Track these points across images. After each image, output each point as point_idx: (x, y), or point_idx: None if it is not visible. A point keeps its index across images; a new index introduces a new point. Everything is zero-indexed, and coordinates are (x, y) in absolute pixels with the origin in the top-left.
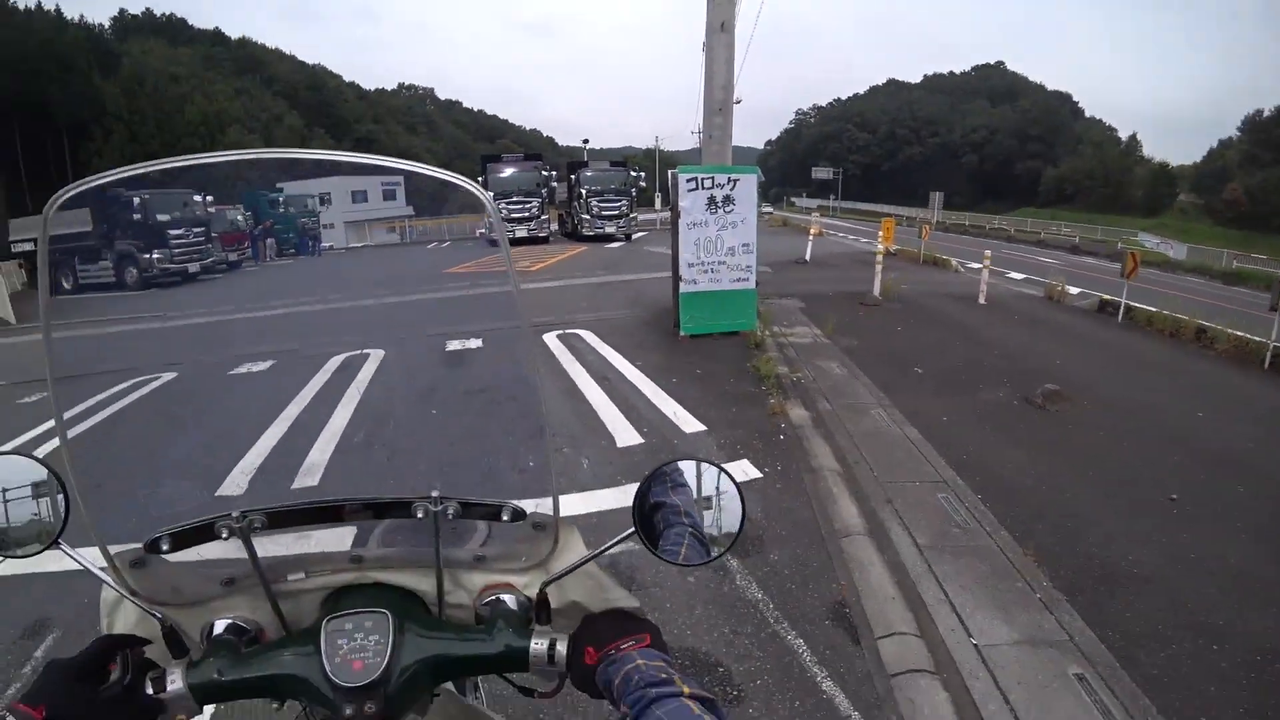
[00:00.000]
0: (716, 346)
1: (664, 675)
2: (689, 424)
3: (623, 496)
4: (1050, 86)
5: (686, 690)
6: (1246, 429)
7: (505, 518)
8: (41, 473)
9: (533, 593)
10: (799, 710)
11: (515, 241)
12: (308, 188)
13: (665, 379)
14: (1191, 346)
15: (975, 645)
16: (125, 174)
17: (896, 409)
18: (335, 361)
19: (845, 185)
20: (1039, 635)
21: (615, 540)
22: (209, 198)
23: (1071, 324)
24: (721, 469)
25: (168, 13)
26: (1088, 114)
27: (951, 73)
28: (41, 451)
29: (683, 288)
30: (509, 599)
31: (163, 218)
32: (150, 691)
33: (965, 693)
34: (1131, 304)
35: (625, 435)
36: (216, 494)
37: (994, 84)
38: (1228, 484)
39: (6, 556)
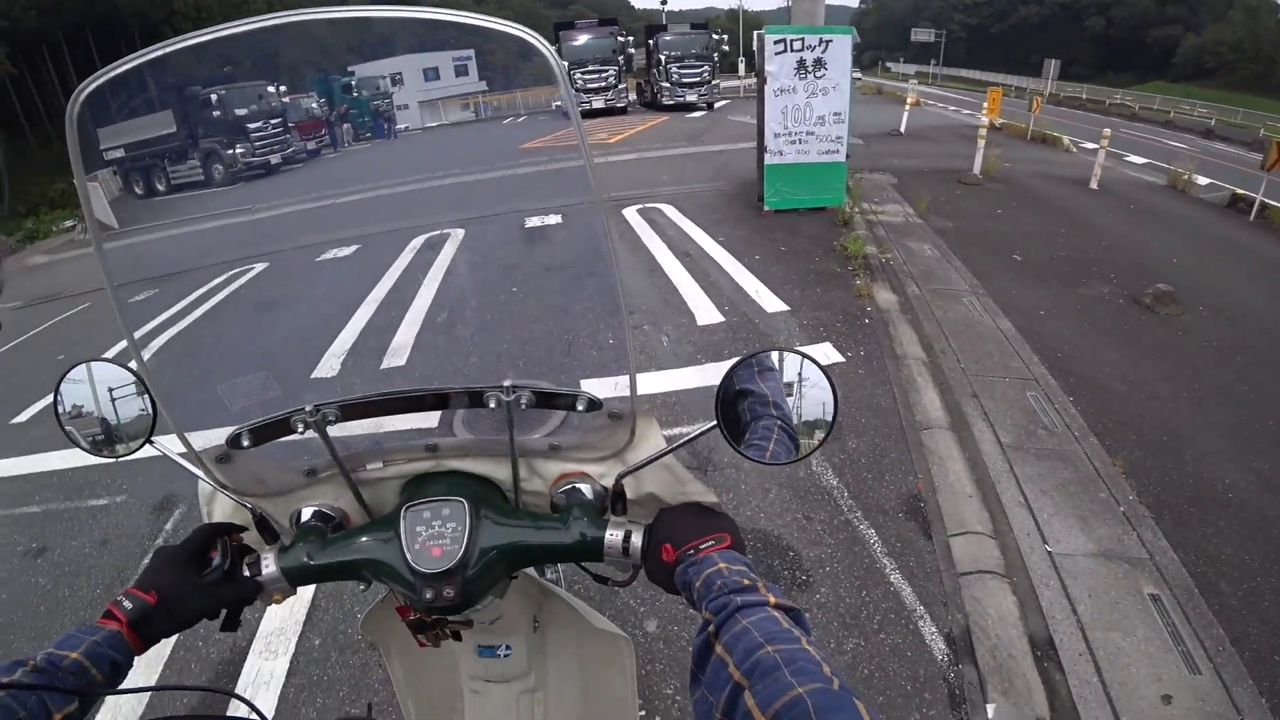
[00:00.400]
0: (802, 222)
1: (747, 581)
2: (771, 303)
3: (702, 376)
4: None
5: (772, 600)
6: None
7: (580, 407)
8: (128, 377)
9: (608, 482)
10: (865, 601)
11: (592, 113)
12: (379, 69)
13: (748, 255)
14: None
15: (1049, 552)
16: (144, 58)
17: (990, 298)
18: (417, 242)
19: (948, 50)
20: (1117, 550)
21: (695, 433)
22: (283, 88)
23: (1195, 219)
24: (814, 361)
25: None
26: None
27: None
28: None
29: (768, 159)
30: (585, 488)
31: (240, 112)
32: (247, 574)
33: (1033, 598)
34: (1269, 201)
35: (706, 313)
36: (311, 377)
37: None
38: None
39: (106, 457)
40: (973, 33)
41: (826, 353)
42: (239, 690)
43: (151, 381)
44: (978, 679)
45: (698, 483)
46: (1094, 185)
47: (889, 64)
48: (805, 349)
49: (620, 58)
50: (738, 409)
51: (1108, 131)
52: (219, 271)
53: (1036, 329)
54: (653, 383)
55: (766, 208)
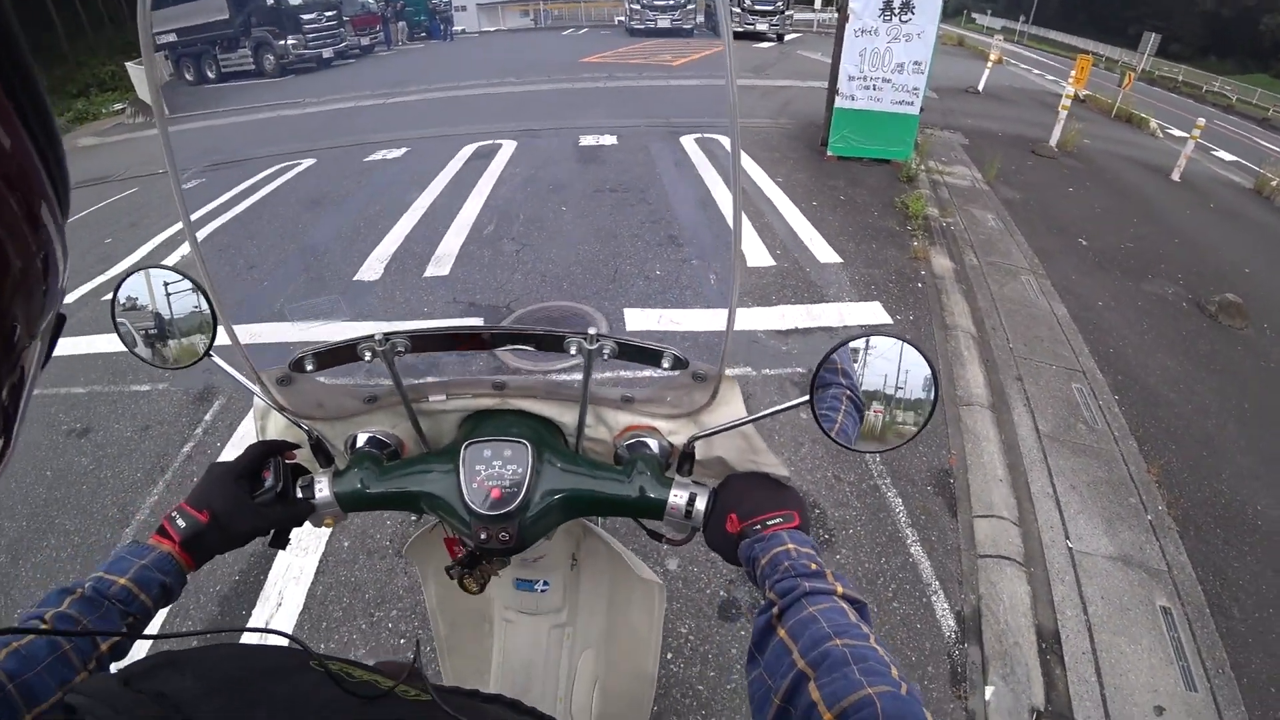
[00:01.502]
0: (864, 173)
1: (814, 566)
2: (824, 253)
3: (747, 319)
4: None
5: (840, 590)
6: None
7: (665, 365)
8: (187, 286)
9: (678, 440)
10: (883, 568)
11: (655, 32)
12: None
13: (805, 200)
14: None
15: (1070, 548)
16: None
17: (1049, 280)
18: (467, 151)
19: (1040, 7)
20: (1137, 557)
21: (782, 406)
22: None
23: (1277, 229)
24: (921, 351)
25: None
26: None
27: None
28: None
29: (839, 102)
30: (652, 442)
31: (295, 2)
32: (300, 496)
33: (1047, 591)
34: None
35: (757, 255)
36: (354, 279)
37: None
38: None
39: (165, 368)
40: None
41: (875, 312)
42: (272, 587)
43: (210, 284)
44: (980, 661)
45: (771, 454)
46: (1176, 177)
47: (975, 15)
48: (854, 305)
49: None
50: (829, 390)
51: (1201, 121)
52: (266, 165)
53: (1092, 319)
54: (695, 319)
55: (830, 153)
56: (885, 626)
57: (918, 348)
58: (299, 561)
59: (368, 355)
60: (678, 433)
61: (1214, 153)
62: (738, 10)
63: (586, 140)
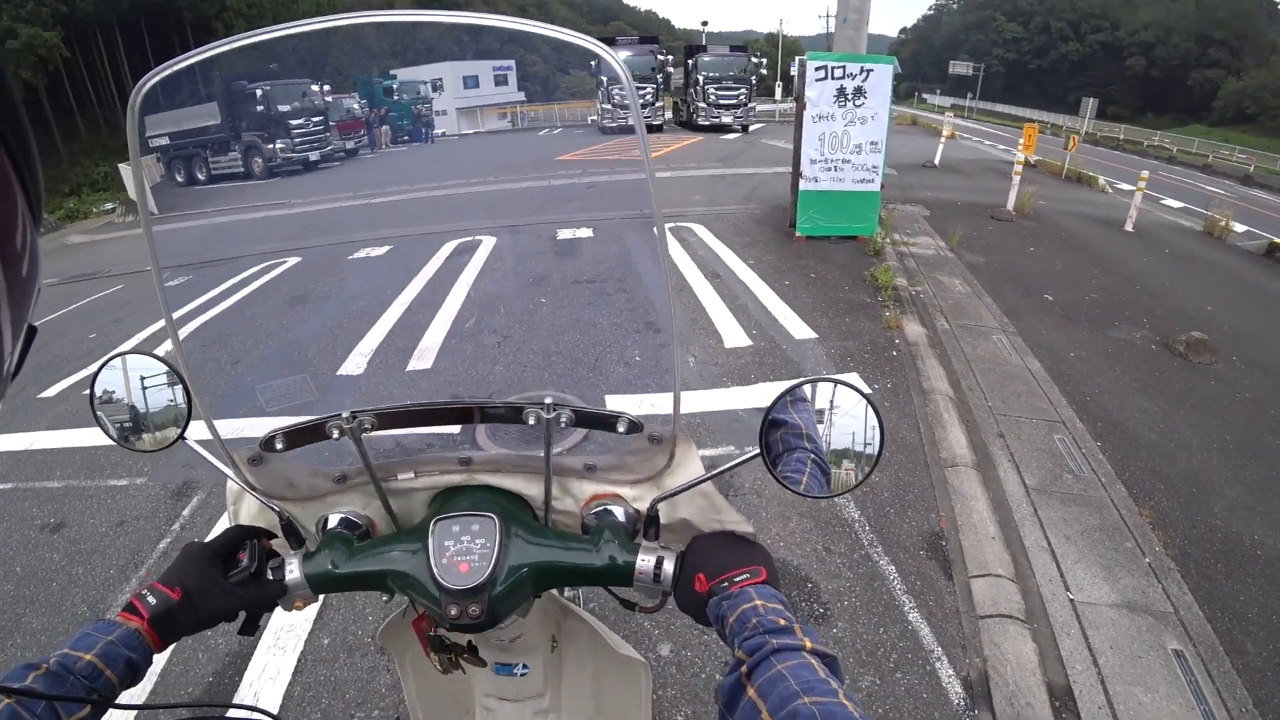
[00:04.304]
0: (833, 250)
1: (783, 622)
2: (799, 330)
3: (727, 399)
4: None
5: (809, 644)
6: None
7: (621, 429)
8: (164, 369)
9: (642, 505)
10: (883, 638)
11: (626, 129)
12: (420, 74)
13: (778, 280)
14: None
15: (1071, 600)
16: (202, 55)
17: (1020, 337)
18: (448, 248)
19: (985, 84)
20: (1141, 601)
21: (735, 461)
22: (326, 87)
23: (1231, 266)
24: (859, 391)
25: None
26: None
27: None
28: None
29: (803, 185)
30: (617, 510)
31: (284, 108)
32: (272, 578)
33: (1054, 647)
34: None
35: (733, 336)
36: (337, 373)
37: None
38: None
39: (136, 450)
40: (1010, 67)
41: (853, 383)
42: (248, 688)
43: (188, 373)
44: None
45: (734, 511)
46: (1129, 228)
47: (925, 95)
48: (867, 394)
49: (659, 76)
50: (776, 439)
51: (1145, 174)
52: (253, 263)
53: (1066, 371)
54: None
55: (799, 234)
56: (890, 699)
57: (859, 390)
58: (276, 661)
59: (335, 433)
60: (641, 498)
61: (1163, 201)
62: (703, 105)
63: (564, 234)
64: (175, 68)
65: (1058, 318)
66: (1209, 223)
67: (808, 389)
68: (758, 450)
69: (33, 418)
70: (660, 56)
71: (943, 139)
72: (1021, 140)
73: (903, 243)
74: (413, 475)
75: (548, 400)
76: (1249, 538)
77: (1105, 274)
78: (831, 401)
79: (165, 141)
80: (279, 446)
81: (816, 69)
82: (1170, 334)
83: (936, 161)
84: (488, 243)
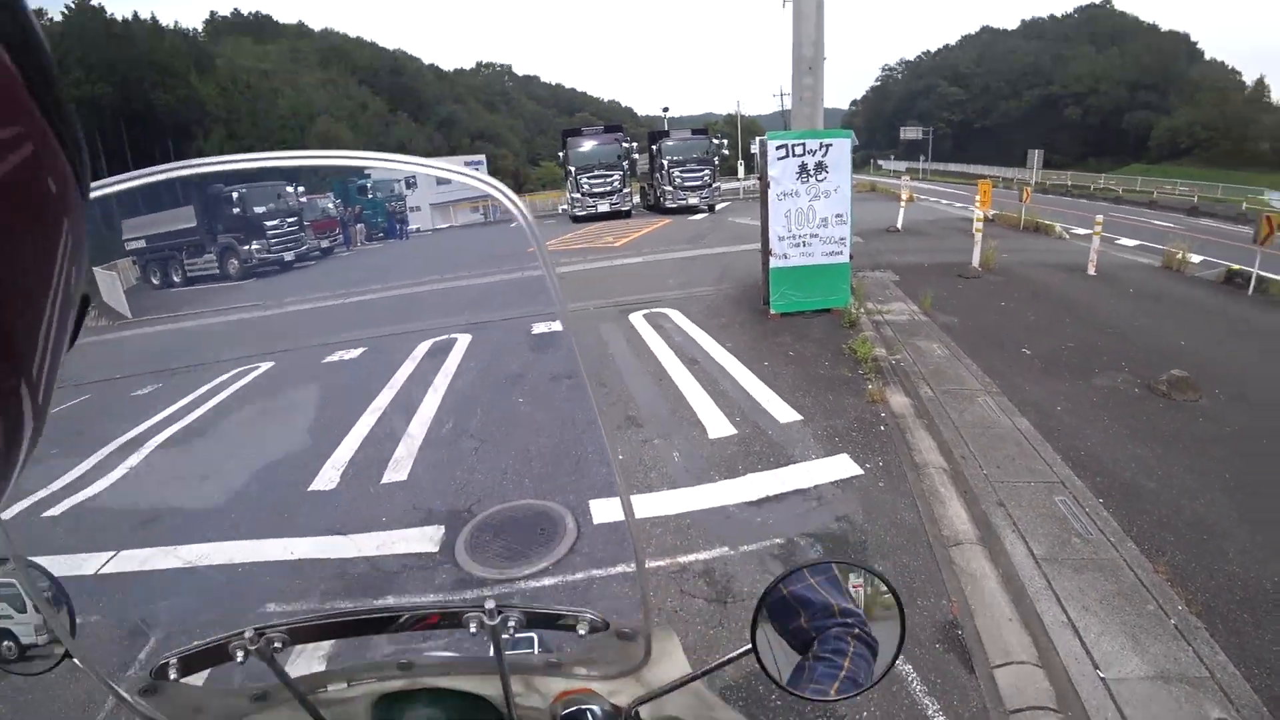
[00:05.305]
0: (808, 325)
1: None
2: (783, 413)
3: (716, 494)
4: (1164, 27)
5: None
6: None
7: (582, 631)
8: (49, 586)
9: (620, 701)
10: None
11: (598, 216)
12: (394, 172)
13: (756, 362)
14: None
15: (1102, 679)
16: (154, 176)
17: (1004, 396)
18: (423, 347)
19: (936, 145)
20: (1174, 669)
21: (725, 659)
22: (300, 188)
23: (1195, 298)
24: (873, 572)
25: (254, 10)
26: (1207, 56)
27: (1052, 16)
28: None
29: (773, 263)
30: (594, 707)
31: (259, 210)
32: None
33: None
34: (1265, 275)
35: (717, 425)
36: (309, 489)
37: (1100, 27)
38: None
39: (17, 674)
40: (958, 129)
41: (844, 465)
42: None
43: (53, 585)
44: None
45: (729, 709)
46: (1091, 271)
47: (880, 161)
48: (822, 461)
49: (625, 163)
50: (799, 625)
51: (1100, 218)
52: (225, 369)
53: (1055, 426)
54: (665, 503)
55: (773, 311)
56: None
57: (869, 568)
58: None
59: (240, 655)
60: (619, 693)
61: (1119, 241)
62: (670, 188)
63: (539, 328)
64: (125, 184)
65: (1038, 372)
66: (1166, 257)
67: (821, 570)
68: (749, 646)
69: None
70: (625, 144)
71: (903, 203)
72: (978, 196)
73: (876, 311)
74: (345, 685)
75: (489, 605)
76: (1269, 580)
77: (1076, 321)
78: (837, 580)
79: (141, 244)
80: (173, 675)
81: (778, 147)
82: (1150, 375)
83: (899, 225)
84: (462, 340)
